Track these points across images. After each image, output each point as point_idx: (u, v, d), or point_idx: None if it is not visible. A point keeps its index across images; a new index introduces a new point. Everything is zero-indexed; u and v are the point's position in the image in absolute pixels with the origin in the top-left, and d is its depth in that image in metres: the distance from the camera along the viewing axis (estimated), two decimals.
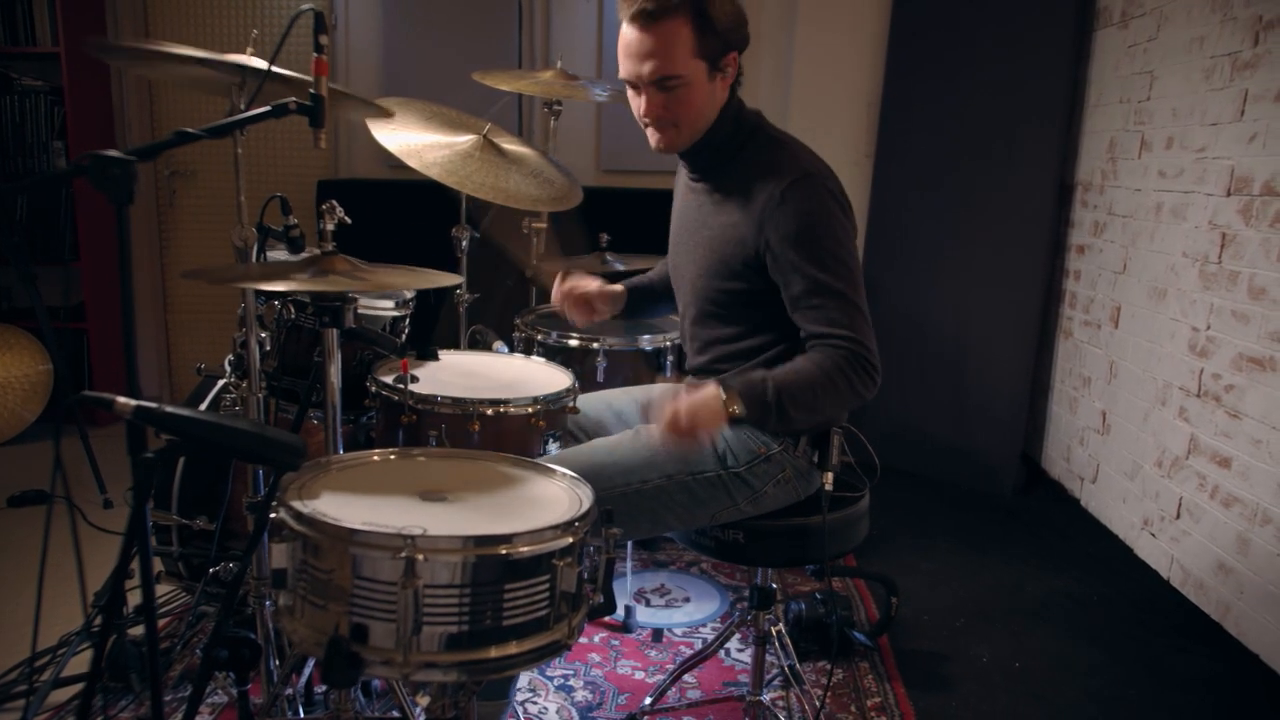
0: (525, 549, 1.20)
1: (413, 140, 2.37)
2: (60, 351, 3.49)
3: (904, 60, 3.89)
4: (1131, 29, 3.32)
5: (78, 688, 2.16)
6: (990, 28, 3.66)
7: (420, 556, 1.13)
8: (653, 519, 1.73)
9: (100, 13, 4.16)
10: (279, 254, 2.09)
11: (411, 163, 2.30)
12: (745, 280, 1.73)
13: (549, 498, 1.37)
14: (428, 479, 1.41)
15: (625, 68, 1.71)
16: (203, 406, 2.29)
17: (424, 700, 1.34)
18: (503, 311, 3.45)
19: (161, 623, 2.38)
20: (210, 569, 2.15)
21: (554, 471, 1.47)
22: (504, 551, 1.19)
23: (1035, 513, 3.59)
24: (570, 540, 1.24)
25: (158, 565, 2.35)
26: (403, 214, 3.77)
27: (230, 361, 2.10)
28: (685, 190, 1.91)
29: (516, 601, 1.21)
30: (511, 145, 2.57)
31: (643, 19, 1.64)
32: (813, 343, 1.66)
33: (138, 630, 2.33)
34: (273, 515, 1.23)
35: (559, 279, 2.08)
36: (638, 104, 1.74)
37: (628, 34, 1.68)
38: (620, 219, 3.09)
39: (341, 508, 1.25)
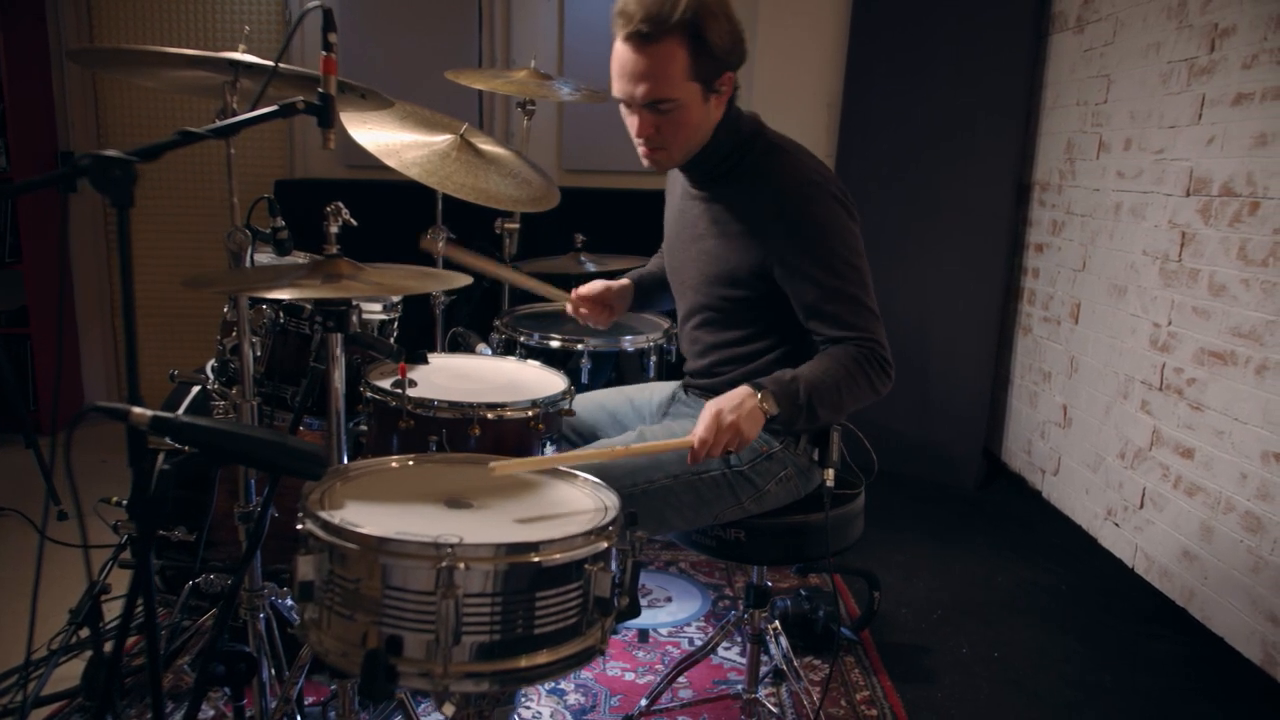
0: (559, 556, 1.19)
1: (390, 139, 2.32)
2: (6, 357, 3.35)
3: (864, 61, 3.95)
4: (1087, 34, 3.42)
5: (51, 708, 2.08)
6: (948, 30, 3.73)
7: (461, 565, 1.12)
8: (658, 519, 1.73)
9: (40, 6, 3.99)
10: (263, 256, 2.04)
11: (390, 162, 2.25)
12: (750, 288, 1.74)
13: (574, 502, 1.36)
14: (450, 485, 1.38)
15: (618, 87, 1.65)
16: (180, 412, 2.22)
17: (449, 710, 1.32)
18: (475, 313, 3.41)
19: (138, 638, 2.30)
20: (192, 580, 2.08)
21: (575, 476, 1.46)
22: (537, 559, 1.18)
23: (998, 505, 3.67)
24: (604, 545, 1.23)
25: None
26: (366, 215, 3.68)
27: (213, 367, 2.04)
28: (683, 194, 1.89)
29: (549, 609, 1.20)
30: (488, 145, 2.54)
31: (637, 40, 1.58)
32: (830, 346, 1.68)
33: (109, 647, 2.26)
34: (299, 527, 1.20)
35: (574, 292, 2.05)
36: (631, 123, 1.70)
37: (621, 53, 1.62)
38: (585, 219, 3.08)
39: (369, 517, 1.22)
